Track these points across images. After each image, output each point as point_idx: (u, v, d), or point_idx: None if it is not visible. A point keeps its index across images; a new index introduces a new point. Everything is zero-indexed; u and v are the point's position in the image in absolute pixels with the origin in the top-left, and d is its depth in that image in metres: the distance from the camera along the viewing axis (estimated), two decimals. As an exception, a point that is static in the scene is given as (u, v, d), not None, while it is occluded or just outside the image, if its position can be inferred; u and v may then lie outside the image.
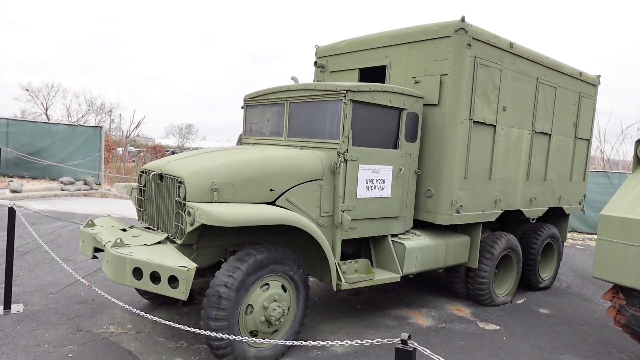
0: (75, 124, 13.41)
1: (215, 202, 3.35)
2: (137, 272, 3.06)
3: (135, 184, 4.44)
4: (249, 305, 3.29)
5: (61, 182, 11.84)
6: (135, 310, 3.19)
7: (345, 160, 3.86)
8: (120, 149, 21.81)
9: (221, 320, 3.09)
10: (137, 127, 35.13)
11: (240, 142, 5.18)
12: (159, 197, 3.78)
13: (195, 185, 3.36)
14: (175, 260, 3.04)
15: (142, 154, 33.32)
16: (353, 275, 3.93)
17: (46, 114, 50.24)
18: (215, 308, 3.09)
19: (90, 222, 3.90)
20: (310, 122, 4.21)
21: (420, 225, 4.69)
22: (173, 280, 3.00)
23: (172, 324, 2.88)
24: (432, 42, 4.61)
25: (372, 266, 4.31)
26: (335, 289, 3.76)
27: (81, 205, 9.99)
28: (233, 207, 3.27)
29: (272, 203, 3.63)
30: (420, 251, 4.35)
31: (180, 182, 3.42)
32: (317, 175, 3.82)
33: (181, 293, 2.93)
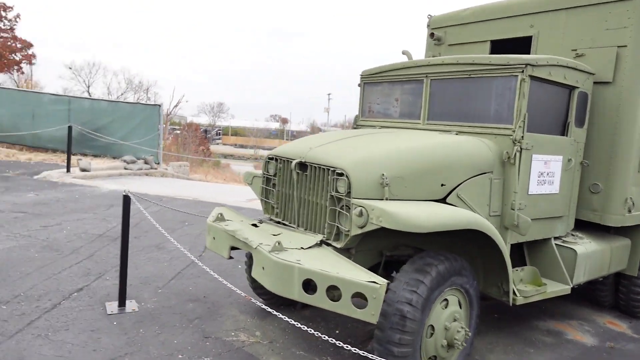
0: (135, 102, 12.99)
1: (387, 199, 2.80)
2: (309, 285, 2.56)
3: (254, 170, 3.94)
4: (429, 326, 2.75)
5: (124, 161, 11.61)
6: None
7: (521, 150, 3.23)
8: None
9: (406, 345, 2.57)
10: (176, 105, 35.20)
11: (356, 124, 4.60)
12: (303, 190, 3.25)
13: (362, 178, 2.81)
14: (356, 273, 2.51)
15: (177, 131, 33.43)
16: (523, 287, 3.33)
17: (88, 91, 51.14)
18: (399, 331, 2.56)
19: (220, 216, 3.42)
20: (463, 103, 3.58)
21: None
22: (354, 297, 2.48)
23: (322, 336, 2.42)
24: (603, 7, 3.85)
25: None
26: (510, 303, 3.18)
27: (148, 185, 9.71)
28: (416, 207, 2.71)
29: (442, 200, 3.05)
30: (589, 258, 3.71)
31: (340, 174, 2.87)
32: (488, 168, 3.21)
33: (371, 315, 2.40)
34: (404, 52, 4.82)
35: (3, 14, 27.74)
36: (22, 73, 34.08)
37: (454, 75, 3.60)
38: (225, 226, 3.25)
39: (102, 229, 6.12)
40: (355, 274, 2.49)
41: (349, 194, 2.83)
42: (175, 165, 13.74)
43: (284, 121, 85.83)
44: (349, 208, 2.84)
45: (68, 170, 9.62)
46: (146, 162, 12.04)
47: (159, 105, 12.62)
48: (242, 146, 69.93)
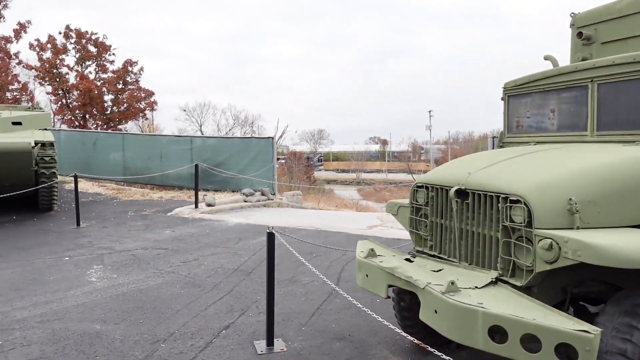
0: (249, 136, 13.61)
1: (578, 228, 2.37)
2: (496, 333, 2.21)
3: (400, 200, 3.69)
4: None
5: (243, 194, 12.13)
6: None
7: None
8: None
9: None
10: (281, 136, 36.66)
11: (501, 142, 4.16)
12: (463, 220, 2.92)
13: (545, 205, 2.42)
14: (558, 319, 2.12)
15: (282, 161, 34.67)
16: None
17: (200, 130, 55.62)
18: (615, 388, 2.09)
19: (371, 252, 3.21)
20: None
21: None
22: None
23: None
24: None
25: None
26: None
27: (269, 217, 9.95)
28: (620, 236, 2.25)
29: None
30: None
31: (515, 201, 2.51)
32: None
33: (586, 372, 1.98)
34: (546, 58, 4.33)
35: (130, 68, 31.25)
36: (146, 119, 38.00)
37: (629, 76, 3.07)
38: (380, 262, 3.02)
39: (235, 263, 6.28)
40: (557, 321, 2.10)
41: (528, 223, 2.45)
42: (289, 194, 14.08)
43: (384, 143, 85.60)
44: (528, 240, 2.46)
45: (196, 206, 10.24)
46: (263, 194, 12.45)
47: (272, 138, 13.09)
48: (343, 171, 70.88)
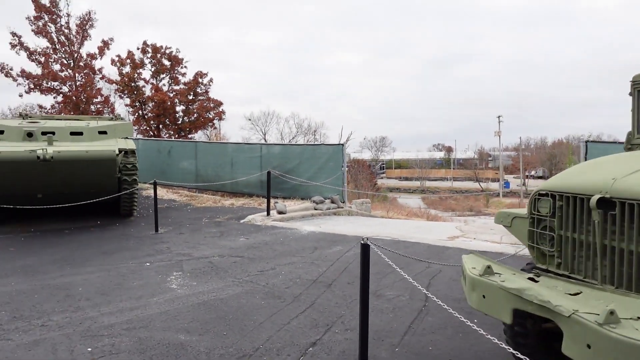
0: (319, 143, 13.44)
1: None
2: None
3: (513, 210, 3.25)
4: None
5: (313, 202, 11.95)
6: None
7: None
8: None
9: None
10: (346, 143, 36.41)
11: (630, 144, 3.59)
12: (608, 235, 2.45)
13: None
14: None
15: (344, 168, 34.34)
16: None
17: (264, 138, 56.85)
18: None
19: (488, 269, 2.80)
20: None
21: None
22: None
23: None
24: None
25: None
26: None
27: (342, 225, 9.67)
28: None
29: None
30: None
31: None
32: None
33: None
34: None
35: (200, 80, 32.44)
36: (215, 128, 39.26)
37: None
38: (503, 282, 2.60)
39: (314, 273, 6.03)
40: None
41: None
42: (357, 203, 13.76)
43: (449, 150, 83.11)
44: None
45: (268, 214, 10.17)
46: (333, 202, 12.21)
47: (342, 145, 12.84)
48: (406, 178, 69.50)
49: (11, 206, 8.22)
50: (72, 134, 9.14)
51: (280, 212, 10.51)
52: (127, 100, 31.06)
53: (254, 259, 6.77)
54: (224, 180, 15.09)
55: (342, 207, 12.35)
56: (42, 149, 7.83)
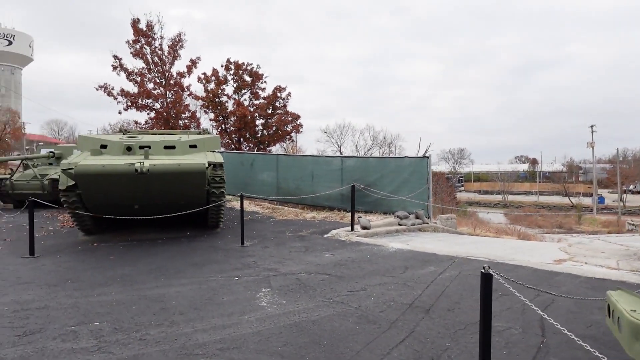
0: (402, 156, 13.00)
1: None
2: None
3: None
4: None
5: (397, 217, 11.51)
6: None
7: None
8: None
9: None
10: (425, 154, 35.37)
11: None
12: None
13: None
14: None
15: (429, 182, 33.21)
16: None
17: (340, 150, 57.01)
18: None
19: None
20: None
21: None
22: None
23: None
24: None
25: None
26: None
27: (430, 243, 9.14)
28: None
29: None
30: None
31: None
32: None
33: None
34: None
35: (279, 94, 33.23)
36: (292, 141, 39.96)
37: None
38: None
39: (408, 297, 5.62)
40: None
41: None
42: (442, 218, 13.09)
43: (533, 162, 78.03)
44: None
45: (352, 229, 9.89)
46: (417, 217, 11.69)
47: (427, 157, 12.31)
48: (486, 192, 66.20)
49: (112, 216, 8.65)
50: (165, 147, 9.52)
51: (364, 227, 10.19)
52: (211, 115, 32.49)
53: (343, 278, 6.50)
54: (304, 193, 15.09)
55: (427, 223, 11.77)
56: (140, 162, 8.18)
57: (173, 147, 9.58)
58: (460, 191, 62.90)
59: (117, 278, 6.47)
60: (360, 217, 10.77)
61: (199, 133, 11.98)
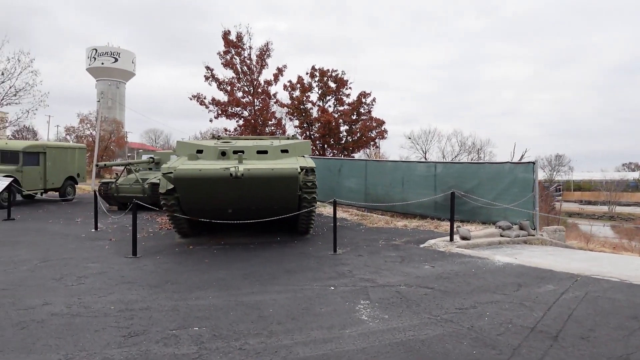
0: (504, 161, 12.00)
1: None
2: None
3: None
4: None
5: (499, 227, 10.57)
6: None
7: None
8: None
9: None
10: (519, 160, 33.09)
11: None
12: None
13: None
14: None
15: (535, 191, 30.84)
16: None
17: (425, 157, 55.28)
18: None
19: None
20: None
21: None
22: None
23: None
24: None
25: None
26: None
27: (542, 257, 8.18)
28: None
29: None
30: None
31: None
32: None
33: None
34: None
35: (363, 100, 32.91)
36: (377, 147, 39.36)
37: None
38: None
39: (528, 318, 4.92)
40: None
41: None
42: (549, 230, 11.85)
43: (645, 170, 70.04)
44: None
45: (451, 239, 9.18)
46: (521, 228, 10.65)
47: (533, 163, 11.21)
48: (588, 202, 60.52)
49: (207, 220, 8.77)
50: (258, 152, 9.52)
51: (463, 238, 9.43)
52: (296, 122, 32.95)
53: (447, 293, 5.91)
54: (394, 200, 14.53)
55: (533, 235, 10.68)
56: (234, 167, 8.20)
57: (265, 152, 9.55)
58: (558, 201, 58.13)
59: (213, 282, 6.43)
60: (458, 226, 10.01)
61: (287, 138, 11.94)
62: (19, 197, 16.58)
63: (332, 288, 6.15)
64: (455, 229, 9.59)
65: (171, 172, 8.23)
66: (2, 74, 23.47)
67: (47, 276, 6.65)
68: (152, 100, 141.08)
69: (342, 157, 27.94)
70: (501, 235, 10.35)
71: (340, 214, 14.81)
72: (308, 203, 9.16)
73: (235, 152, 9.34)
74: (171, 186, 8.56)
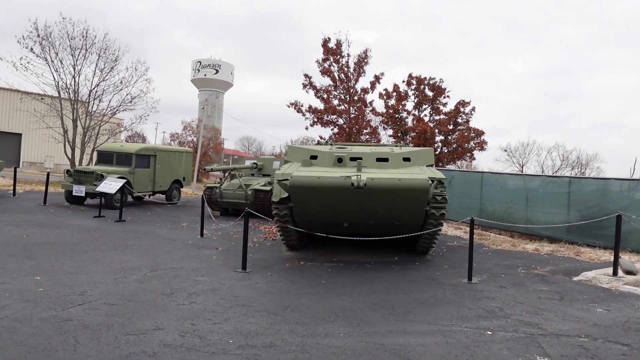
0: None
1: None
2: None
3: None
4: None
5: (668, 260, 8.54)
6: None
7: None
8: None
9: None
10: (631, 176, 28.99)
11: None
12: None
13: None
14: None
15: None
16: None
17: (521, 170, 51.07)
18: None
19: None
20: None
21: None
22: None
23: None
24: None
25: None
26: None
27: None
28: None
29: None
30: None
31: None
32: None
33: None
34: None
35: (462, 109, 30.78)
36: (474, 159, 36.78)
37: None
38: None
39: None
40: None
41: None
42: None
43: None
44: None
45: (615, 273, 7.44)
46: (699, 262, 8.53)
47: None
48: None
49: (321, 234, 7.89)
50: (378, 160, 8.52)
51: (628, 272, 7.63)
52: (390, 131, 31.67)
53: (654, 355, 4.39)
54: (516, 218, 12.78)
55: None
56: (356, 176, 7.24)
57: (386, 160, 8.51)
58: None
59: (338, 311, 5.47)
60: (620, 258, 8.16)
61: (401, 146, 10.81)
62: (129, 199, 17.13)
63: (489, 333, 4.89)
64: (619, 261, 7.79)
65: (287, 179, 7.47)
66: (121, 82, 24.98)
67: (158, 290, 6.11)
68: (246, 109, 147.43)
69: (455, 169, 26.14)
70: (673, 271, 8.33)
71: (453, 231, 13.33)
72: (435, 220, 7.93)
73: (352, 159, 8.41)
74: (285, 194, 7.81)
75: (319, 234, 7.94)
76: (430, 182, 7.45)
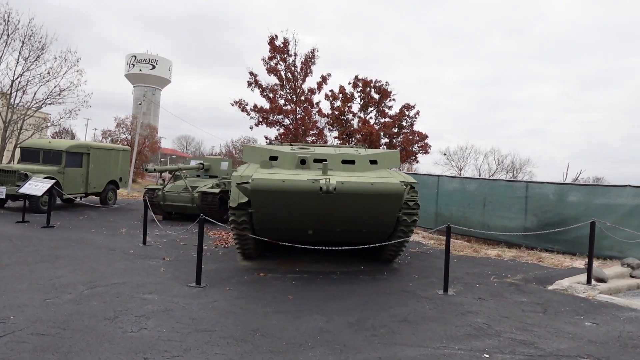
0: (622, 185, 10.05)
1: None
2: None
3: None
4: None
5: (627, 266, 8.62)
6: None
7: None
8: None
9: None
10: (574, 181, 30.70)
11: None
12: None
13: None
14: None
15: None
16: None
17: (460, 174, 52.92)
18: None
19: None
20: None
21: None
22: None
23: None
24: None
25: None
26: None
27: None
28: None
29: None
30: None
31: None
32: None
33: None
34: None
35: (407, 112, 31.11)
36: (417, 162, 37.36)
37: None
38: None
39: None
40: None
41: None
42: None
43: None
44: None
45: (589, 281, 7.28)
46: (654, 266, 8.68)
47: (668, 188, 9.25)
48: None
49: (286, 243, 7.12)
50: (343, 162, 7.90)
51: (599, 280, 7.54)
52: (336, 133, 31.40)
53: (662, 375, 4.08)
54: (472, 223, 12.70)
55: (668, 277, 8.67)
56: (325, 179, 6.57)
57: (352, 162, 7.92)
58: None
59: (315, 334, 4.77)
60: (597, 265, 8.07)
61: (359, 147, 10.29)
62: (58, 201, 15.38)
63: (486, 356, 4.39)
64: (583, 264, 7.68)
65: (247, 182, 6.66)
66: (49, 73, 22.72)
67: (98, 313, 5.10)
68: (184, 107, 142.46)
69: (412, 172, 26.08)
70: (631, 276, 8.41)
71: (413, 237, 13.01)
72: (406, 227, 7.43)
73: (316, 161, 7.74)
74: (245, 199, 6.98)
75: (281, 242, 7.17)
76: (404, 186, 6.92)
